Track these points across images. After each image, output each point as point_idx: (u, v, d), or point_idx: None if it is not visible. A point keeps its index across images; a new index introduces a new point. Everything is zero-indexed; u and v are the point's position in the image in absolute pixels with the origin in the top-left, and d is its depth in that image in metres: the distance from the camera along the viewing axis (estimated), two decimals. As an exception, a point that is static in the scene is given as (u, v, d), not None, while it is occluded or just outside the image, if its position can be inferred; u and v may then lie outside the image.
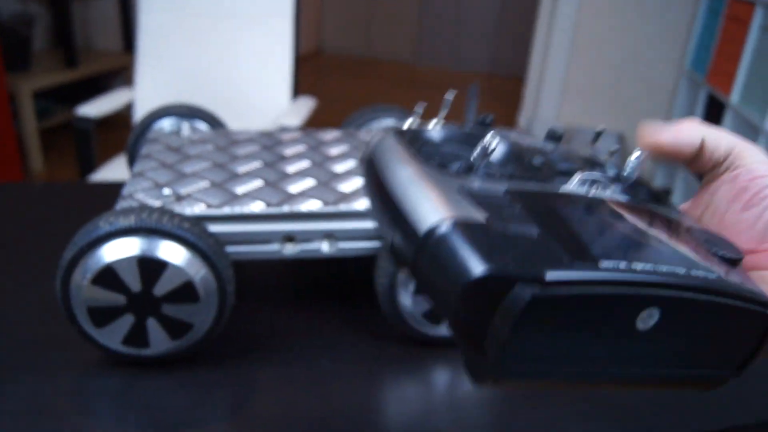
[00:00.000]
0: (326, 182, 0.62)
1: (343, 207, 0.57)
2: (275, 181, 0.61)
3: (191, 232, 0.51)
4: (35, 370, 0.53)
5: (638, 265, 0.21)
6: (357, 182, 0.62)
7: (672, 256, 0.23)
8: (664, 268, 0.21)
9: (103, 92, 1.64)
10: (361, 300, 0.66)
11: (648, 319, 0.21)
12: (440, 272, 0.20)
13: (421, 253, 0.21)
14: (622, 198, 0.27)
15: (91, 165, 1.45)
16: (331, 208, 0.57)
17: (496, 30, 4.55)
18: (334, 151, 0.70)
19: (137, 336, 0.52)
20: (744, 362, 0.25)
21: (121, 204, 0.55)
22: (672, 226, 0.26)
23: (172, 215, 0.51)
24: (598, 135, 0.32)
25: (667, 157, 0.30)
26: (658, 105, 2.49)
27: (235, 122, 1.30)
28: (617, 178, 0.30)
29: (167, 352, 0.53)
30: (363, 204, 0.58)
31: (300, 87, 1.67)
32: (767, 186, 0.27)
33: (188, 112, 0.79)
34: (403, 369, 0.57)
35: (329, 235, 0.57)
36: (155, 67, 1.60)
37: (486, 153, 0.26)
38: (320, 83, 4.22)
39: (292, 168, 0.65)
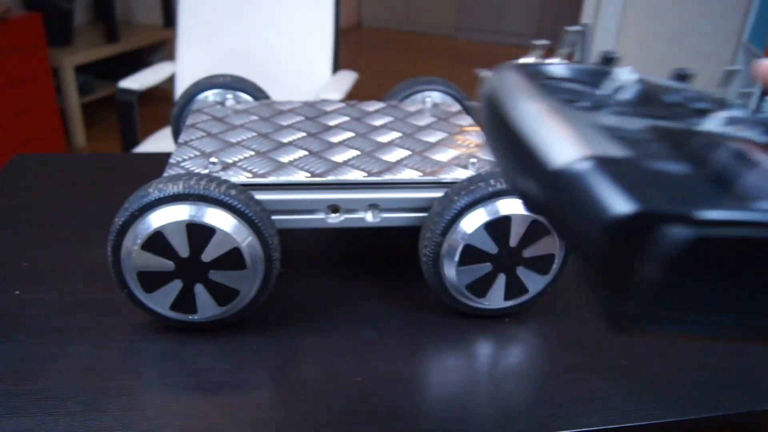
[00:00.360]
0: (370, 152, 0.61)
1: (387, 177, 0.56)
2: (319, 150, 0.61)
3: (238, 200, 0.50)
4: (87, 333, 0.54)
5: None
6: (400, 153, 0.61)
7: None
8: None
9: (143, 67, 1.66)
10: (406, 271, 0.65)
11: None
12: (580, 212, 0.19)
13: (557, 192, 0.20)
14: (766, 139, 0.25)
15: (134, 139, 1.47)
16: (375, 178, 0.56)
17: (541, 1, 4.44)
18: (378, 122, 0.70)
19: (185, 301, 0.52)
20: None
21: (169, 172, 0.55)
22: None
23: (220, 182, 0.51)
24: (729, 74, 0.30)
25: None
26: (714, 79, 2.40)
27: (277, 95, 1.30)
28: (754, 119, 0.27)
29: (214, 318, 0.53)
30: (407, 174, 0.57)
31: (340, 61, 1.65)
32: None
33: (232, 83, 0.78)
34: (446, 340, 0.56)
35: (373, 205, 0.57)
36: (196, 41, 1.61)
37: (618, 88, 0.24)
38: (360, 57, 4.19)
39: (335, 138, 0.64)
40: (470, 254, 0.54)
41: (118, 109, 1.46)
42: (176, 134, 0.77)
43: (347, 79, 1.58)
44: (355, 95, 1.47)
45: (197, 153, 0.60)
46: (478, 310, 0.58)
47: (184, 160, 0.58)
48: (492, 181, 0.54)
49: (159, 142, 1.48)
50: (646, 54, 2.45)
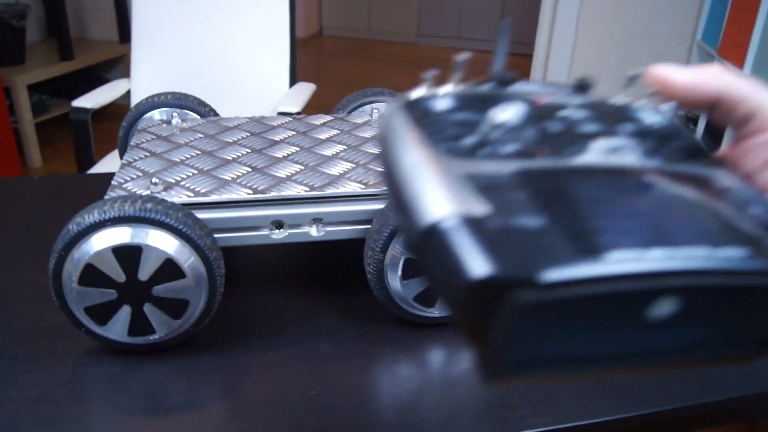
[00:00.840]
0: (314, 166, 0.61)
1: (329, 191, 0.56)
2: (263, 166, 0.61)
3: (177, 220, 0.50)
4: (35, 359, 0.53)
5: (651, 252, 0.19)
6: (344, 166, 0.62)
7: (696, 233, 0.21)
8: (682, 252, 0.20)
9: (100, 84, 1.64)
10: (356, 282, 0.66)
11: (664, 308, 0.20)
12: (441, 271, 0.20)
13: (423, 248, 0.20)
14: (650, 162, 0.25)
15: (90, 158, 1.45)
16: (317, 193, 0.56)
17: (501, 5, 4.50)
18: (323, 135, 0.70)
19: (140, 324, 0.52)
20: None
21: (110, 194, 0.55)
22: (705, 188, 0.24)
23: (159, 202, 0.51)
24: (631, 79, 0.30)
25: (680, 102, 0.26)
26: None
27: (234, 109, 1.29)
28: (649, 132, 0.27)
29: (174, 333, 0.53)
30: (350, 187, 0.57)
31: (301, 70, 1.65)
32: None
33: (177, 101, 0.78)
34: (398, 349, 0.57)
35: (317, 219, 0.57)
36: (151, 56, 1.59)
37: (497, 126, 0.24)
38: (321, 66, 4.19)
39: (280, 153, 0.64)
40: (413, 267, 0.55)
41: (73, 129, 1.43)
42: (123, 154, 0.77)
43: (305, 90, 1.58)
44: (316, 105, 1.47)
45: (140, 173, 0.59)
46: (428, 319, 0.58)
47: (126, 182, 0.57)
48: None
49: (115, 161, 1.46)
50: (603, 56, 2.50)
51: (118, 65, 2.98)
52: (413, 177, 0.22)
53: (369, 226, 0.57)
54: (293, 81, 1.61)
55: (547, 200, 0.21)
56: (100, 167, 1.42)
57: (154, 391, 0.51)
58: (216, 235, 0.55)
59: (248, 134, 0.69)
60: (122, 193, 0.55)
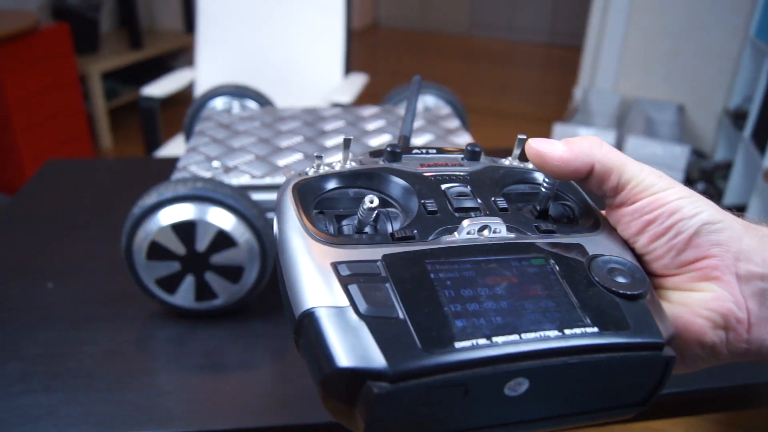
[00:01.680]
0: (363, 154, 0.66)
1: None
2: (314, 153, 0.66)
3: (235, 199, 0.57)
4: (110, 321, 0.61)
5: (500, 339, 0.21)
6: None
7: (549, 314, 0.22)
8: (531, 336, 0.21)
9: (167, 72, 1.73)
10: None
11: (517, 386, 0.21)
12: (310, 356, 0.22)
13: (297, 336, 0.23)
14: (521, 236, 0.26)
15: (157, 141, 1.54)
16: None
17: (553, -2, 4.44)
18: (370, 126, 0.75)
19: (205, 291, 0.59)
20: (647, 397, 0.24)
21: (175, 176, 0.62)
22: (568, 263, 0.25)
23: (221, 185, 0.57)
24: (520, 141, 0.31)
25: (554, 175, 0.28)
26: (720, 75, 2.40)
27: (290, 98, 1.35)
28: (533, 197, 0.29)
29: (232, 299, 0.60)
30: None
31: (356, 62, 1.70)
32: (672, 213, 0.26)
33: (238, 91, 0.85)
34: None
35: None
36: (214, 47, 1.68)
37: (372, 209, 0.26)
38: (376, 58, 4.24)
39: (329, 142, 0.70)
40: None
41: (142, 115, 1.53)
42: (188, 139, 0.84)
43: (358, 81, 1.63)
44: (370, 95, 1.52)
45: (202, 157, 0.66)
46: None
47: (191, 164, 0.64)
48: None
49: (181, 144, 1.55)
50: (653, 48, 2.45)
51: (183, 54, 3.11)
52: (293, 265, 0.24)
53: None
54: (347, 71, 1.66)
55: (407, 288, 0.23)
56: (165, 150, 1.52)
57: (210, 351, 0.58)
58: (269, 215, 0.61)
59: (301, 123, 0.75)
60: (186, 174, 0.61)
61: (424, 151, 0.32)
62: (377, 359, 0.20)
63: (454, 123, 0.77)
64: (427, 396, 0.20)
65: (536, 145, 0.27)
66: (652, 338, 0.23)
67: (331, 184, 0.29)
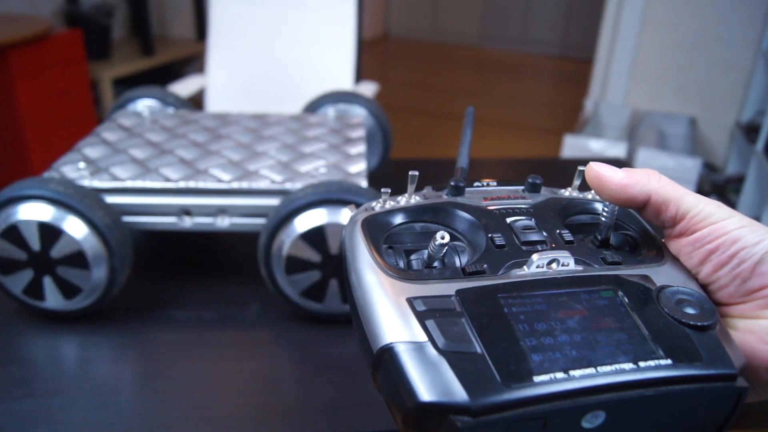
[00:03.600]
0: (238, 161, 0.64)
1: (235, 184, 0.60)
2: (192, 159, 0.65)
3: (81, 202, 0.55)
4: (109, 324, 0.60)
5: (577, 372, 0.22)
6: (266, 162, 0.64)
7: (622, 347, 0.23)
8: (606, 369, 0.22)
9: (178, 79, 1.74)
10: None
11: (594, 419, 0.22)
12: (390, 390, 0.22)
13: (376, 367, 0.24)
14: (588, 269, 0.27)
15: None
16: (221, 185, 0.60)
17: (565, 8, 4.44)
18: (269, 132, 0.73)
19: (37, 290, 0.57)
20: (719, 427, 0.24)
21: (44, 174, 0.60)
22: (637, 294, 0.26)
23: (69, 186, 0.56)
24: (580, 173, 0.32)
25: (611, 201, 0.28)
26: (733, 88, 2.39)
27: (300, 106, 1.35)
28: (595, 228, 0.30)
29: (74, 306, 0.58)
30: (259, 183, 0.60)
31: (366, 72, 1.70)
32: (734, 241, 0.26)
33: (163, 96, 0.83)
34: (299, 344, 0.60)
35: (222, 211, 0.61)
36: (225, 55, 1.69)
37: (443, 245, 0.27)
38: (386, 68, 4.25)
39: (215, 147, 0.68)
40: (295, 263, 0.57)
41: (151, 121, 1.53)
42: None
43: (368, 89, 1.63)
44: (381, 104, 1.51)
45: (79, 157, 0.64)
46: (318, 314, 0.60)
47: (65, 164, 0.63)
48: (305, 192, 0.56)
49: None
50: (665, 62, 2.44)
51: (194, 61, 3.13)
52: (368, 301, 0.25)
53: (265, 221, 0.60)
54: (358, 80, 1.66)
55: (483, 323, 0.23)
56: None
57: (211, 359, 0.57)
58: (129, 218, 0.61)
59: (201, 128, 0.74)
60: (55, 175, 0.61)
61: (484, 183, 0.33)
62: (459, 394, 0.21)
63: (358, 132, 0.74)
64: (507, 429, 0.21)
65: (597, 168, 0.28)
66: (726, 369, 0.23)
67: (399, 219, 0.30)
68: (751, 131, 2.17)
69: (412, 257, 0.29)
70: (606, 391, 0.21)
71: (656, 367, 0.22)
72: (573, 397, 0.21)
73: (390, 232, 0.29)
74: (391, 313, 0.24)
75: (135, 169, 0.62)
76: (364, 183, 0.61)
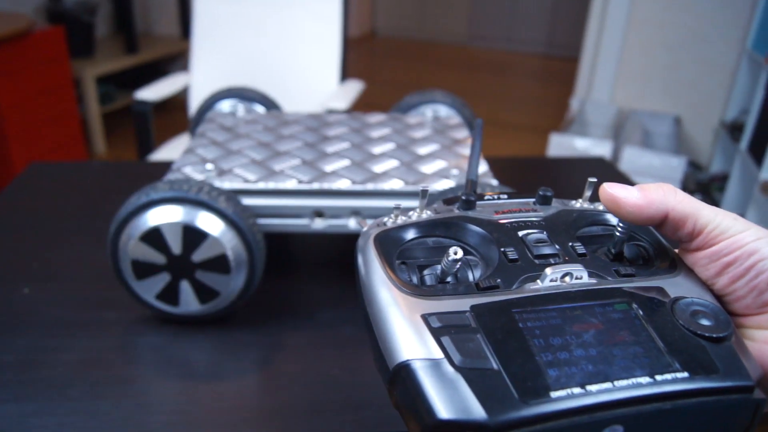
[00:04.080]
0: (360, 162, 0.64)
1: (369, 186, 0.60)
2: (312, 160, 0.65)
3: (224, 204, 0.55)
4: (88, 328, 0.59)
5: (594, 387, 0.22)
6: (389, 164, 0.64)
7: (638, 360, 0.23)
8: (623, 383, 0.22)
9: (162, 77, 1.72)
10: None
11: None
12: (408, 406, 0.23)
13: (391, 387, 0.24)
14: (602, 282, 0.27)
15: (150, 146, 1.53)
16: (357, 187, 0.59)
17: (551, 8, 4.46)
18: (375, 133, 0.73)
19: (170, 294, 0.57)
20: None
21: (169, 176, 0.60)
22: (652, 306, 0.25)
23: (211, 189, 0.55)
24: (591, 184, 0.32)
25: (629, 221, 0.28)
26: (717, 87, 2.40)
27: (285, 104, 1.34)
28: (607, 241, 0.30)
29: (215, 308, 0.58)
30: (390, 184, 0.60)
31: (352, 70, 1.70)
32: (751, 253, 0.26)
33: (245, 94, 0.83)
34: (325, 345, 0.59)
35: (356, 212, 0.60)
36: (209, 52, 1.67)
37: (456, 260, 0.27)
38: (373, 66, 4.25)
39: (331, 148, 0.68)
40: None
41: (135, 119, 1.52)
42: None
43: (353, 88, 1.62)
44: (368, 103, 1.51)
45: (198, 159, 0.64)
46: None
47: (185, 165, 0.62)
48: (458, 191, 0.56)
49: (174, 149, 1.54)
50: (650, 61, 2.46)
51: (178, 59, 3.10)
52: (383, 318, 0.25)
53: None
54: (344, 79, 1.65)
55: (498, 339, 0.23)
56: (159, 154, 1.50)
57: (191, 360, 0.56)
58: (261, 221, 0.59)
59: (304, 128, 0.74)
60: (179, 176, 0.60)
61: (495, 197, 0.33)
62: (476, 411, 0.21)
63: (462, 132, 0.75)
64: None
65: (611, 190, 0.28)
66: (743, 381, 0.23)
67: (411, 234, 0.30)
68: (735, 130, 2.19)
69: (425, 272, 0.29)
70: (623, 406, 0.21)
71: (673, 381, 0.22)
72: (591, 412, 0.21)
73: (402, 248, 0.29)
74: (407, 330, 0.24)
75: (259, 171, 0.61)
76: (494, 182, 0.60)
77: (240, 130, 0.72)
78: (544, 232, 0.29)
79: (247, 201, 0.59)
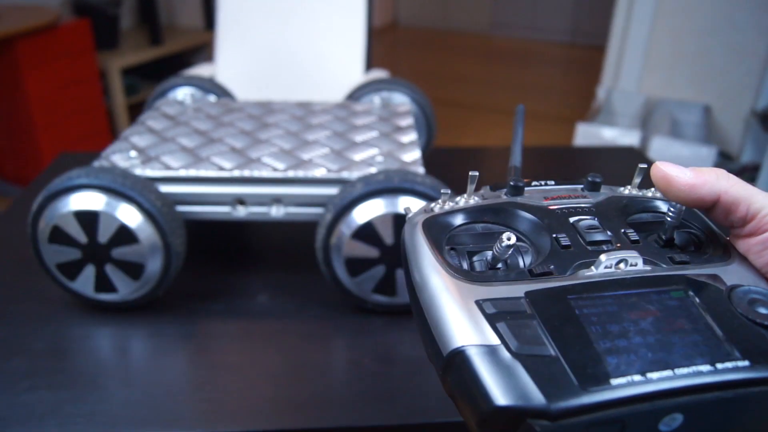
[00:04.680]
0: (290, 150, 0.63)
1: (290, 173, 0.58)
2: (243, 147, 0.64)
3: (137, 191, 0.54)
4: (118, 315, 0.60)
5: (654, 375, 0.21)
6: (319, 151, 0.63)
7: (697, 348, 0.22)
8: (684, 371, 0.21)
9: (186, 68, 1.73)
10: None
11: (671, 421, 0.21)
12: (464, 394, 0.22)
13: (446, 371, 0.23)
14: (656, 269, 0.26)
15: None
16: (278, 174, 0.58)
17: (576, -3, 4.39)
18: (317, 120, 0.71)
19: (104, 283, 0.57)
20: None
21: (94, 163, 0.59)
22: (708, 294, 0.25)
23: (125, 176, 0.55)
24: (641, 170, 0.31)
25: (679, 201, 0.28)
26: (748, 75, 2.34)
27: (311, 94, 1.34)
28: (659, 228, 0.29)
29: (134, 294, 0.58)
30: (313, 172, 0.59)
31: (375, 60, 1.69)
32: None
33: (204, 85, 0.82)
34: (353, 333, 0.59)
35: (278, 200, 0.59)
36: (233, 44, 1.67)
37: (507, 246, 0.26)
38: (396, 56, 4.23)
39: (264, 135, 0.67)
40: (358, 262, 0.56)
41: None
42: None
43: (378, 77, 1.61)
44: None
45: (128, 146, 0.64)
46: (376, 305, 0.60)
47: (114, 153, 0.62)
48: (364, 183, 0.55)
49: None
50: (679, 48, 2.40)
51: (202, 51, 3.11)
52: (436, 305, 0.25)
53: (323, 211, 0.59)
54: (368, 69, 1.64)
55: (555, 325, 0.23)
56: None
57: (219, 350, 0.56)
58: (182, 208, 0.59)
59: (246, 116, 0.73)
60: (105, 164, 0.60)
61: (542, 183, 0.32)
62: (536, 397, 0.20)
63: (406, 120, 0.73)
64: (590, 430, 0.21)
65: (664, 168, 0.27)
66: None
67: (459, 220, 0.30)
68: (766, 119, 2.13)
69: (475, 258, 0.28)
70: (684, 394, 0.21)
71: (734, 369, 0.22)
72: (651, 400, 0.21)
73: (451, 234, 0.29)
74: (461, 316, 0.24)
75: (186, 158, 0.61)
76: (420, 170, 0.60)
77: (181, 118, 0.71)
78: (595, 219, 0.29)
79: (167, 188, 0.59)
